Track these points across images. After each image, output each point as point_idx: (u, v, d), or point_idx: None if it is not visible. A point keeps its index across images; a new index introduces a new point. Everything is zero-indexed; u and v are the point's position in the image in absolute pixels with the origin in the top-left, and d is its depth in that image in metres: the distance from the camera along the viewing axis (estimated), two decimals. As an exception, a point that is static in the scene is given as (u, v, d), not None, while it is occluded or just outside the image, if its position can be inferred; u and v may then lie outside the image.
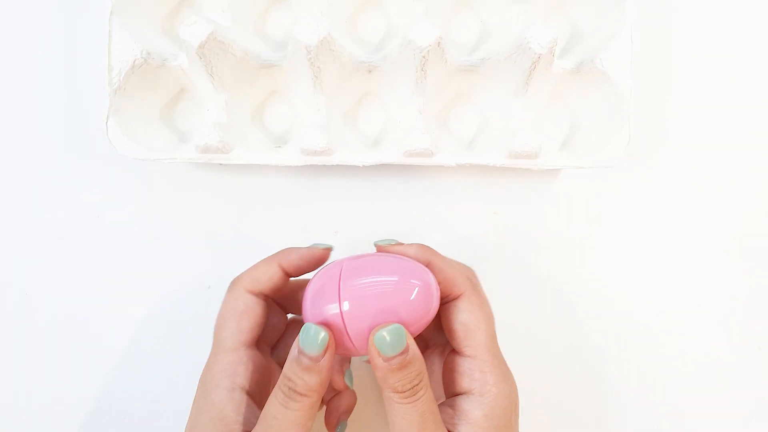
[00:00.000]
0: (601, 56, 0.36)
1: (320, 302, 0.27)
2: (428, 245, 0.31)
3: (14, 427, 0.38)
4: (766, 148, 0.41)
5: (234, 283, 0.31)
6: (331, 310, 0.27)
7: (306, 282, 0.30)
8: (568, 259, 0.40)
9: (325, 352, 0.26)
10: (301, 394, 0.26)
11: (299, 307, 0.30)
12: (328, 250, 0.32)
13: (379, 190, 0.40)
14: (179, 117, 0.39)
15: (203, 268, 0.39)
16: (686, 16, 0.41)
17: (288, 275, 0.31)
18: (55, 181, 0.40)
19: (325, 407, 0.33)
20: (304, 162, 0.37)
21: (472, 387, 0.29)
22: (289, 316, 0.34)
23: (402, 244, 0.31)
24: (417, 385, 0.27)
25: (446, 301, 0.30)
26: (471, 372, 0.29)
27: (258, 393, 0.30)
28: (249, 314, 0.30)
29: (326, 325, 0.27)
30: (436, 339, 0.33)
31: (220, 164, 0.39)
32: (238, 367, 0.29)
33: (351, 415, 0.34)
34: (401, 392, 0.26)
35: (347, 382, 0.30)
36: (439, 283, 0.29)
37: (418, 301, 0.28)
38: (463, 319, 0.29)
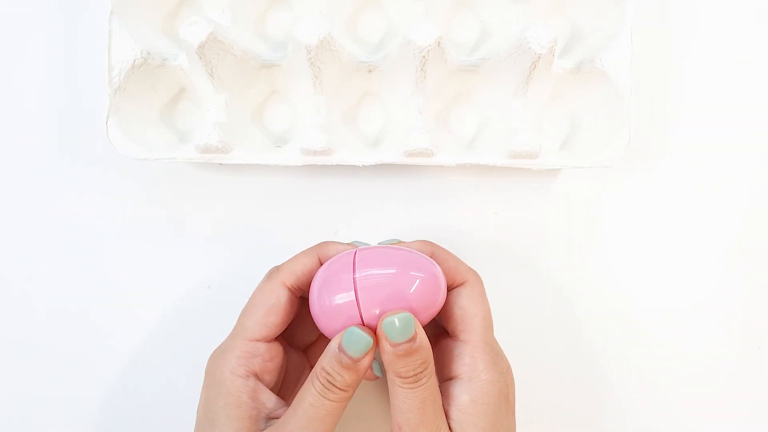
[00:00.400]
0: (601, 56, 0.36)
1: (333, 290, 0.28)
2: (430, 240, 0.32)
3: (14, 428, 0.39)
4: (766, 148, 0.41)
5: (273, 274, 0.31)
6: (345, 298, 0.28)
7: None
8: (568, 259, 0.40)
9: (366, 355, 0.27)
10: (339, 389, 0.27)
11: None
12: (366, 247, 0.32)
13: (379, 190, 0.40)
14: (179, 117, 0.39)
15: (203, 268, 0.39)
16: (686, 16, 0.41)
17: None
18: (55, 181, 0.40)
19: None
20: (304, 162, 0.37)
21: (461, 372, 0.29)
22: None
23: (404, 242, 0.32)
24: (421, 372, 0.27)
25: (449, 289, 0.31)
26: (462, 357, 0.29)
27: (273, 384, 0.30)
28: (278, 310, 0.30)
29: (338, 311, 0.28)
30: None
31: (220, 164, 0.39)
32: (254, 357, 0.29)
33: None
34: (404, 378, 0.27)
35: (376, 373, 0.30)
36: (444, 272, 0.30)
37: (427, 291, 0.28)
38: (463, 304, 0.30)
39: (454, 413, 0.28)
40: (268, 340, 0.30)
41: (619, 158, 0.37)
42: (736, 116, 0.41)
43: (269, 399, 0.29)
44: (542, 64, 0.35)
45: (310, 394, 0.27)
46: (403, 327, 0.27)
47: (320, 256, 0.31)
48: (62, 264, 0.39)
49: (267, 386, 0.30)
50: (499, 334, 0.31)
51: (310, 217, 0.40)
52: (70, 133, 0.40)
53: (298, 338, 0.34)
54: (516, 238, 0.40)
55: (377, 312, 0.28)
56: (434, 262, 0.30)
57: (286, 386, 0.33)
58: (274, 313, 0.30)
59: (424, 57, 0.34)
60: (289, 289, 0.30)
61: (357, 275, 0.28)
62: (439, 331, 0.33)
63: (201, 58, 0.34)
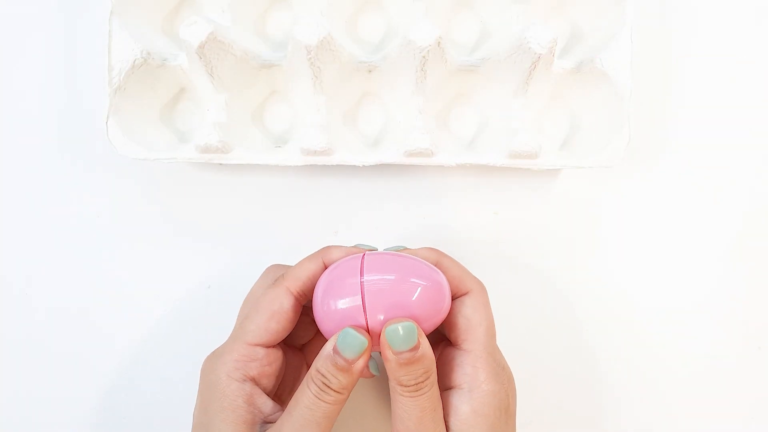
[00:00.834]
0: (601, 56, 0.36)
1: (338, 294, 0.28)
2: (436, 247, 0.32)
3: (14, 428, 0.39)
4: (766, 148, 0.41)
5: (278, 280, 0.31)
6: (351, 302, 0.28)
7: None
8: (568, 259, 0.40)
9: (361, 356, 0.27)
10: (335, 391, 0.27)
11: None
12: (373, 251, 0.32)
13: (379, 190, 0.40)
14: (179, 117, 0.39)
15: (203, 268, 0.39)
16: (686, 16, 0.41)
17: None
18: (55, 181, 0.40)
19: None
20: (304, 162, 0.37)
21: (462, 382, 0.29)
22: None
23: (409, 249, 0.32)
24: (422, 381, 0.27)
25: (453, 297, 0.31)
26: (464, 366, 0.29)
27: (271, 388, 0.30)
28: (281, 317, 0.30)
29: (343, 315, 0.28)
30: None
31: (220, 164, 0.39)
32: (252, 362, 0.29)
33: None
34: (406, 386, 0.27)
35: (373, 371, 0.30)
36: (448, 281, 0.30)
37: (431, 300, 0.28)
38: (467, 313, 0.30)
39: (454, 423, 0.28)
40: (268, 346, 0.30)
41: (619, 158, 0.37)
42: (736, 116, 0.41)
43: (265, 404, 0.29)
44: (542, 64, 0.35)
45: (306, 396, 0.27)
46: (406, 336, 0.27)
47: (324, 260, 0.31)
48: (62, 264, 0.39)
49: (264, 390, 0.30)
50: (499, 334, 0.31)
51: (310, 217, 0.40)
52: (70, 133, 0.40)
53: (295, 336, 0.34)
54: (516, 238, 0.40)
55: (381, 318, 0.27)
56: (439, 271, 0.30)
57: (283, 385, 0.33)
58: (276, 319, 0.29)
59: (424, 57, 0.34)
60: (294, 295, 0.30)
61: (364, 279, 0.28)
62: (441, 338, 0.33)
63: (201, 58, 0.34)
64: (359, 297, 0.28)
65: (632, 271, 0.40)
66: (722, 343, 0.40)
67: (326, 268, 0.31)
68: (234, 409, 0.28)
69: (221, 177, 0.40)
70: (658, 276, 0.40)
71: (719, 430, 0.40)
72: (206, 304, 0.39)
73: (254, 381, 0.29)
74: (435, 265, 0.30)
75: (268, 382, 0.30)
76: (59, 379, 0.39)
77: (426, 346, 0.27)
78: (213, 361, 0.30)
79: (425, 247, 0.32)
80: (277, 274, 0.33)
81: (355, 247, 0.32)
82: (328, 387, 0.27)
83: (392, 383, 0.28)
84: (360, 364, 0.27)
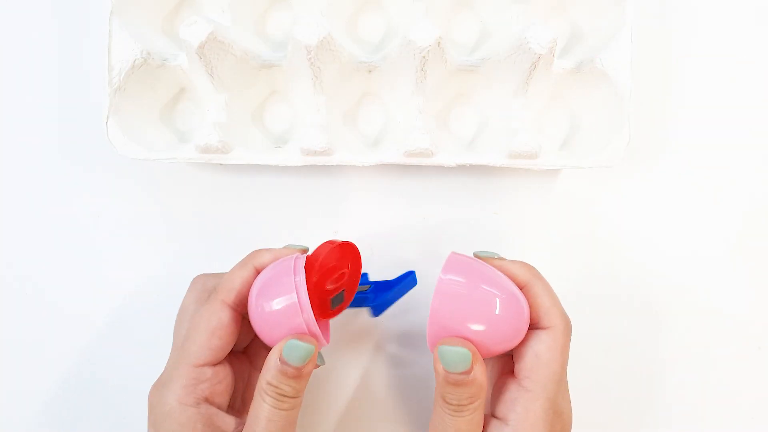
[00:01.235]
0: (601, 56, 0.36)
1: (273, 295, 0.28)
2: (531, 265, 0.30)
3: (14, 428, 0.38)
4: (766, 148, 0.41)
5: (213, 295, 0.30)
6: (287, 301, 0.27)
7: None
8: (568, 259, 0.40)
9: (310, 361, 0.27)
10: (290, 397, 0.27)
11: None
12: (304, 251, 0.31)
13: (379, 190, 0.40)
14: (179, 117, 0.39)
15: (203, 268, 0.39)
16: (686, 16, 0.41)
17: None
18: (55, 181, 0.40)
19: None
20: (304, 162, 0.37)
21: (510, 418, 0.28)
22: None
23: (504, 259, 0.30)
24: (465, 405, 0.26)
25: (532, 327, 0.29)
26: (516, 403, 0.28)
27: (226, 403, 0.29)
28: (222, 332, 0.29)
29: (281, 317, 0.27)
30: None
31: (220, 164, 0.39)
32: (202, 383, 0.28)
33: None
34: (448, 403, 0.27)
35: (318, 362, 0.29)
36: (531, 307, 0.28)
37: (498, 330, 0.27)
38: (539, 350, 0.28)
39: None
40: (215, 363, 0.29)
41: (619, 158, 0.37)
42: (736, 116, 0.41)
43: (225, 422, 0.28)
44: (542, 64, 0.35)
45: (264, 410, 0.26)
46: (460, 360, 0.26)
47: (255, 265, 0.30)
48: (62, 264, 0.39)
49: (220, 408, 0.29)
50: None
51: (310, 217, 0.40)
52: (70, 133, 0.40)
53: (237, 342, 0.32)
54: (516, 238, 0.40)
55: (445, 326, 0.27)
56: (522, 297, 0.28)
57: (235, 393, 0.31)
58: (218, 335, 0.28)
59: (424, 57, 0.34)
60: (231, 307, 0.29)
61: (297, 279, 0.27)
62: (509, 361, 0.31)
63: (201, 58, 0.34)
64: (294, 295, 0.27)
65: (632, 271, 0.40)
66: (722, 343, 0.40)
67: (258, 273, 0.30)
68: None
69: (221, 177, 0.40)
70: (657, 276, 0.40)
71: (719, 430, 0.40)
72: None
73: (208, 401, 0.28)
74: (524, 286, 0.29)
75: (222, 398, 0.29)
76: (59, 378, 0.39)
77: (479, 372, 0.26)
78: (160, 390, 0.28)
79: (520, 262, 0.30)
80: (206, 285, 0.32)
81: (285, 248, 0.31)
82: (283, 395, 0.27)
83: (437, 395, 0.27)
84: (309, 367, 0.27)
